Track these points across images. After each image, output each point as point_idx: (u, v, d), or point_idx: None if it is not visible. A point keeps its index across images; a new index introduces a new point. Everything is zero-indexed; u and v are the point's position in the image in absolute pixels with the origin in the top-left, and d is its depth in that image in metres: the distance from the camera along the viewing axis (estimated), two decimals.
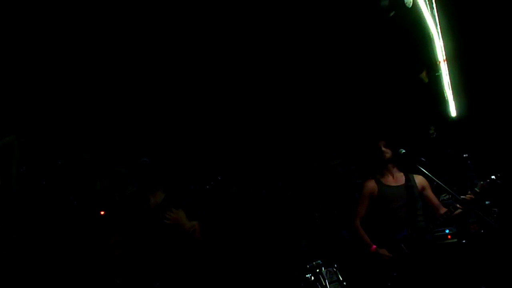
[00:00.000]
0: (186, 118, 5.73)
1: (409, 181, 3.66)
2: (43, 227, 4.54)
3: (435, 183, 3.24)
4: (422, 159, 3.32)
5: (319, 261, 4.96)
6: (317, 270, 4.83)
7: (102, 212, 5.04)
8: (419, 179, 3.71)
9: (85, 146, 5.34)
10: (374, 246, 3.53)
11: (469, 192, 3.39)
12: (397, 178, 3.72)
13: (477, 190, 3.38)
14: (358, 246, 3.74)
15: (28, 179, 4.64)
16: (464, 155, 5.25)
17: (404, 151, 3.44)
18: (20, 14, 3.59)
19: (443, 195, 5.06)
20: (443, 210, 3.62)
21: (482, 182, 3.40)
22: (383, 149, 3.70)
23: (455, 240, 4.76)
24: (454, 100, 5.01)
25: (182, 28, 4.14)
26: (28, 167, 4.68)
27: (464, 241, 4.74)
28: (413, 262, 3.40)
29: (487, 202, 4.74)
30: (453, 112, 5.23)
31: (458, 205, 3.40)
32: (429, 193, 3.71)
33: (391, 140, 3.76)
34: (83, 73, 4.44)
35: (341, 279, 4.84)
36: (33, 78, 4.39)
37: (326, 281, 4.77)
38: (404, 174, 3.73)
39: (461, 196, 3.36)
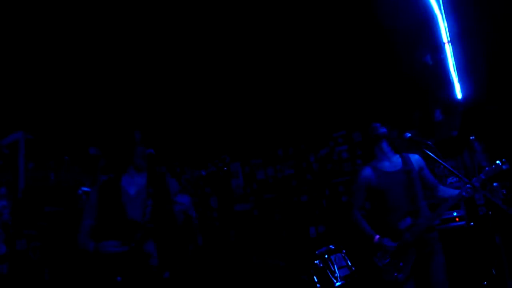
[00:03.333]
0: (188, 110, 5.74)
1: (407, 165, 3.44)
2: (52, 222, 4.58)
3: (442, 166, 3.17)
4: (429, 142, 3.26)
5: (331, 246, 4.99)
6: (326, 256, 4.86)
7: None
8: (415, 159, 3.50)
9: (91, 141, 5.37)
10: (378, 236, 3.37)
11: (471, 182, 3.20)
12: (393, 162, 3.49)
13: (483, 178, 3.21)
14: (361, 238, 3.51)
15: (36, 175, 4.68)
16: (471, 138, 5.21)
17: (410, 134, 3.40)
18: (23, 10, 3.58)
19: (451, 178, 5.06)
20: (440, 189, 3.49)
21: (487, 169, 3.24)
22: (378, 127, 3.50)
23: (463, 222, 4.76)
24: (459, 82, 4.96)
25: (179, 18, 4.11)
26: (36, 163, 4.72)
27: (472, 223, 4.74)
28: (419, 250, 3.29)
29: (495, 184, 4.72)
30: (458, 94, 5.19)
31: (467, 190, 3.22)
32: (427, 173, 3.51)
33: (384, 120, 3.55)
34: (88, 69, 4.44)
35: (350, 264, 4.87)
36: (38, 74, 4.40)
37: (335, 266, 4.81)
38: (400, 156, 3.52)
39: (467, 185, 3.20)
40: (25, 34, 3.86)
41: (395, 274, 3.27)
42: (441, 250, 3.37)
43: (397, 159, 3.51)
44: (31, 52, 4.08)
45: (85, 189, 4.84)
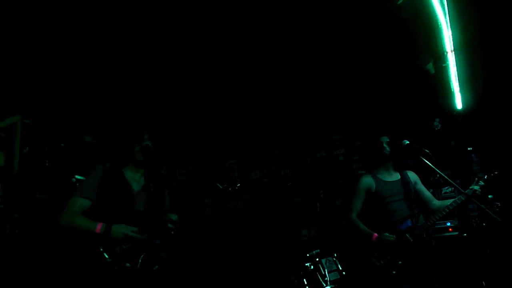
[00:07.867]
0: (187, 102, 5.70)
1: (404, 177, 3.80)
2: (45, 208, 4.55)
3: (438, 175, 3.23)
4: (426, 150, 3.26)
5: (317, 250, 4.98)
6: (317, 259, 4.84)
7: None
8: (411, 174, 3.86)
9: (88, 128, 5.34)
10: (376, 234, 3.53)
11: (474, 187, 3.45)
12: (392, 175, 3.84)
13: (482, 184, 3.46)
14: (358, 239, 3.70)
15: (31, 160, 4.65)
16: (468, 149, 5.21)
17: (408, 142, 3.40)
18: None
19: (446, 187, 5.05)
20: (435, 202, 3.74)
21: (486, 177, 3.49)
22: (384, 145, 3.81)
23: (457, 233, 4.75)
24: (460, 92, 4.95)
25: (183, 15, 4.08)
26: (31, 148, 4.69)
27: (465, 234, 4.72)
28: (418, 252, 3.43)
29: (490, 196, 4.71)
30: (459, 104, 5.17)
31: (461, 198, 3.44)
32: (422, 187, 3.84)
33: (394, 137, 3.85)
34: (87, 55, 4.42)
35: (340, 268, 4.85)
36: (38, 59, 4.37)
37: (326, 270, 4.79)
38: (399, 171, 3.87)
39: (467, 189, 3.43)
40: (25, 22, 3.83)
41: (394, 272, 3.37)
42: (435, 259, 3.53)
43: (395, 172, 3.87)
44: (31, 37, 4.06)
45: (79, 177, 4.82)
